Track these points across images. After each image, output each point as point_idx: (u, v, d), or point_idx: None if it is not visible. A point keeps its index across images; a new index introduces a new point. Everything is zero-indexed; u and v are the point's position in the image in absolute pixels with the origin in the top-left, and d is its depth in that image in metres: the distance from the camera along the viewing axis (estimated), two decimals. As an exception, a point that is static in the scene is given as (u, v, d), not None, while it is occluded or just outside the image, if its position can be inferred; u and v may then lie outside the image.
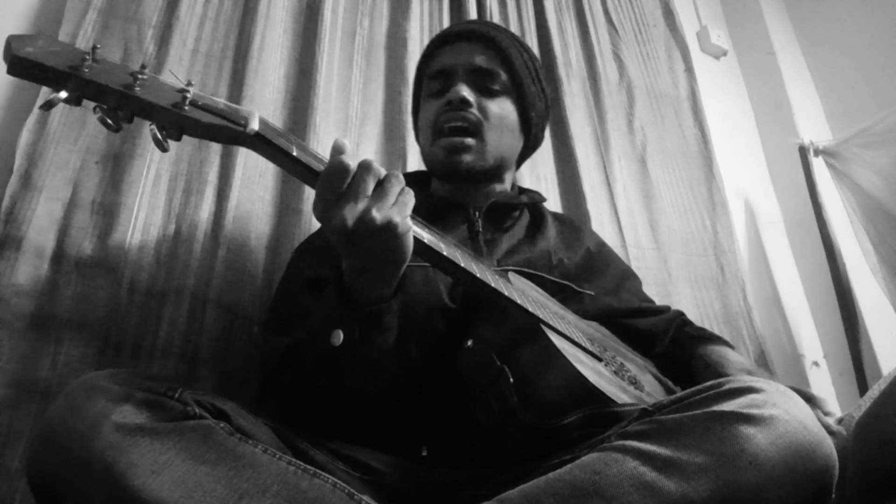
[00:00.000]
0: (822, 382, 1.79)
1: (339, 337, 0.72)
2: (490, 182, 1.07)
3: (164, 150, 0.60)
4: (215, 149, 1.17)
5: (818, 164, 1.96)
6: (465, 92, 1.01)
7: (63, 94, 0.54)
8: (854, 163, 1.87)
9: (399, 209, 0.67)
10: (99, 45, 0.56)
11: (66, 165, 1.03)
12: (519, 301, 0.78)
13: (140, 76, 0.57)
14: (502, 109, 1.05)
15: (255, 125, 0.63)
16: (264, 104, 1.24)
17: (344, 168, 0.65)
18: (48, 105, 0.54)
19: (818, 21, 2.35)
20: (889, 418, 0.76)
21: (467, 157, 1.00)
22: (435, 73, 1.08)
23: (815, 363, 1.81)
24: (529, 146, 1.14)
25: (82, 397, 0.60)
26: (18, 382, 0.89)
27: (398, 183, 0.68)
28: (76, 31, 1.11)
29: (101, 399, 0.59)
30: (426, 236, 0.73)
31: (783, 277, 1.93)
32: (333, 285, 0.76)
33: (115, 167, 1.07)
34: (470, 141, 1.01)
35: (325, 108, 1.33)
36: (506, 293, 0.77)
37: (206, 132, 0.62)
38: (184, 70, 1.20)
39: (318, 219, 0.68)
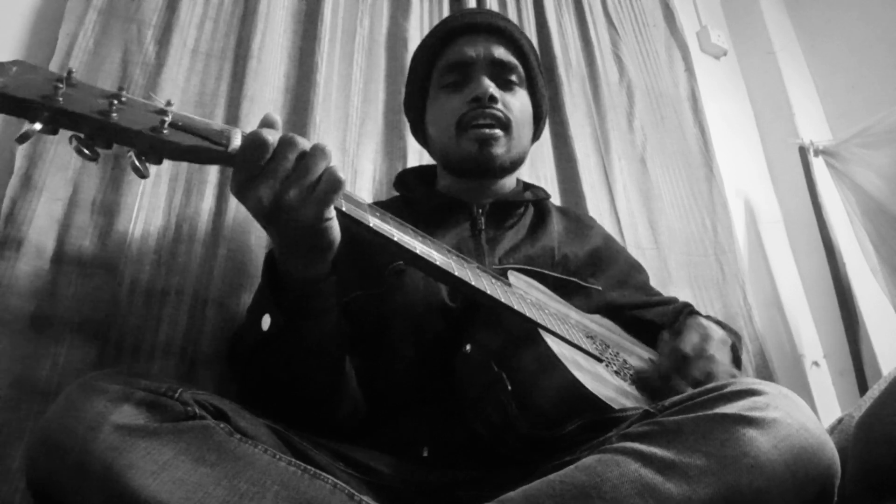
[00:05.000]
0: (822, 382, 1.79)
1: (267, 322, 0.72)
2: (505, 177, 1.08)
3: (143, 177, 0.58)
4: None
5: (818, 164, 1.96)
6: (492, 88, 1.01)
7: (38, 126, 0.52)
8: (854, 163, 1.87)
9: (321, 192, 0.63)
10: (74, 70, 0.54)
11: (66, 165, 1.03)
12: (516, 306, 0.77)
13: (117, 100, 0.55)
14: (522, 103, 1.06)
15: (237, 143, 0.62)
16: (264, 104, 1.24)
17: (263, 142, 0.61)
18: (23, 138, 0.51)
19: (818, 21, 2.35)
20: (889, 418, 0.75)
21: (498, 149, 1.00)
22: (451, 65, 1.05)
23: (815, 363, 1.81)
24: (535, 138, 1.15)
25: (81, 398, 0.59)
26: (18, 382, 0.89)
27: (323, 159, 0.64)
28: (76, 31, 1.11)
29: (100, 400, 0.59)
30: (419, 247, 0.72)
31: (783, 277, 1.93)
32: (265, 269, 0.75)
33: (116, 167, 1.07)
34: (499, 132, 1.00)
35: (326, 108, 1.32)
36: (502, 299, 0.76)
37: (187, 154, 0.60)
38: (184, 70, 1.20)
39: (235, 195, 0.65)
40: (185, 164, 1.14)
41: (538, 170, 1.55)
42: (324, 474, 0.61)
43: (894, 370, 1.00)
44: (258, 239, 1.14)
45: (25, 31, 1.10)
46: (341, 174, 0.64)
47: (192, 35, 1.24)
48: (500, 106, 1.01)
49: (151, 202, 1.08)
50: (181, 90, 1.18)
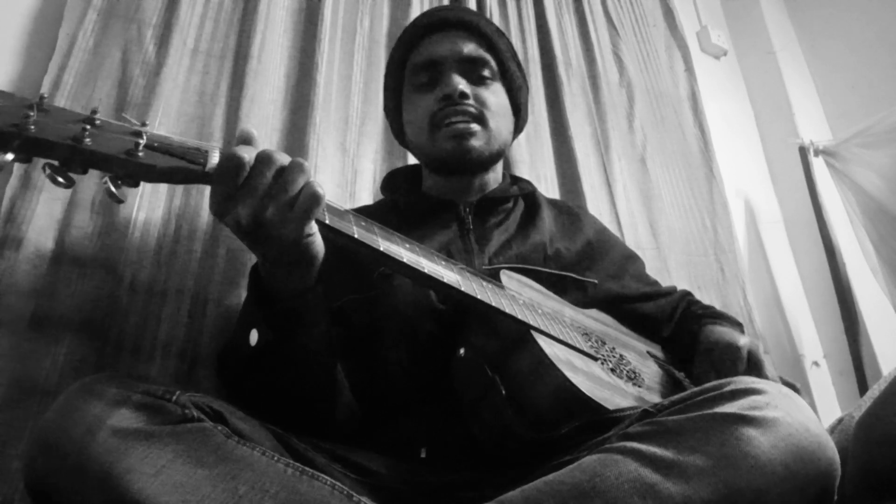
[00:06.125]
0: (822, 382, 1.79)
1: (254, 337, 0.71)
2: (488, 171, 1.06)
3: (119, 202, 0.57)
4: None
5: (818, 164, 1.96)
6: (462, 84, 0.99)
7: (9, 156, 0.50)
8: (854, 163, 1.87)
9: (301, 208, 0.62)
10: (46, 95, 0.53)
11: (66, 165, 1.03)
12: (507, 309, 0.77)
13: (90, 125, 0.53)
14: (496, 96, 1.04)
15: (214, 161, 0.60)
16: (264, 104, 1.24)
17: (238, 160, 0.60)
18: None
19: (818, 21, 2.35)
20: (889, 418, 0.75)
21: (476, 143, 0.99)
22: (420, 66, 1.05)
23: (815, 363, 1.81)
24: (518, 128, 1.14)
25: (79, 401, 0.59)
26: (18, 382, 0.89)
27: (301, 174, 0.62)
28: (76, 31, 1.11)
29: (97, 403, 0.59)
30: (405, 255, 0.71)
31: (783, 277, 1.93)
32: (250, 283, 0.75)
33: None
34: (475, 126, 0.99)
35: (326, 108, 1.32)
36: (493, 303, 0.76)
37: (164, 176, 0.58)
38: (184, 70, 1.20)
39: (213, 215, 0.64)
40: (184, 164, 1.14)
41: (538, 170, 1.55)
42: (322, 476, 0.61)
43: (894, 370, 1.00)
44: (258, 239, 1.14)
45: (25, 31, 1.10)
46: (320, 189, 0.63)
47: (192, 35, 1.24)
48: (471, 101, 1.00)
49: (151, 202, 1.08)
50: (181, 90, 1.18)
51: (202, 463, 0.56)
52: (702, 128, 1.91)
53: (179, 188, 1.12)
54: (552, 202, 1.16)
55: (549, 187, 1.54)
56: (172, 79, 1.17)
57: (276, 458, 0.60)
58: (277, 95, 1.30)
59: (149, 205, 1.08)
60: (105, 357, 0.95)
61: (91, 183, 1.05)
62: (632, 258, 1.15)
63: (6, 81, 1.05)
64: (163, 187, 1.10)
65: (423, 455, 0.79)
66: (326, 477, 0.61)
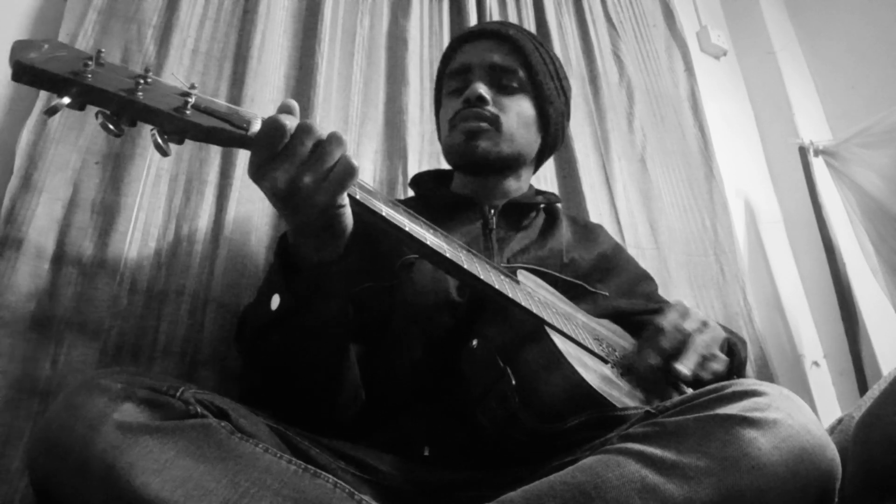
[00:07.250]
0: (822, 382, 1.79)
1: (276, 302, 0.73)
2: (506, 175, 1.09)
3: (165, 154, 0.60)
4: (216, 148, 1.17)
5: (818, 164, 1.96)
6: (482, 89, 1.03)
7: (66, 100, 0.55)
8: (854, 163, 1.87)
9: (336, 178, 0.65)
10: (103, 50, 0.57)
11: (66, 165, 1.03)
12: (523, 302, 0.78)
13: (142, 80, 0.57)
14: (519, 106, 1.07)
15: (257, 127, 0.63)
16: (264, 104, 1.24)
17: (280, 127, 0.63)
18: (52, 111, 0.54)
19: (818, 21, 2.35)
20: (889, 418, 0.75)
21: (483, 142, 1.02)
22: (454, 72, 1.10)
23: (815, 363, 1.81)
24: (549, 145, 1.15)
25: (83, 396, 0.60)
26: (18, 382, 0.89)
27: (339, 147, 0.65)
28: (76, 31, 1.11)
29: (101, 398, 0.59)
30: (429, 238, 0.73)
31: (783, 277, 1.93)
32: (277, 250, 0.76)
33: (116, 167, 1.07)
34: (486, 125, 1.03)
35: (326, 108, 1.33)
36: (510, 294, 0.77)
37: (208, 136, 0.62)
38: (184, 70, 1.20)
39: (251, 177, 0.66)
40: (184, 164, 1.14)
41: (538, 170, 1.55)
42: (324, 473, 0.61)
43: (894, 370, 1.00)
44: (258, 239, 1.14)
45: (25, 31, 1.10)
46: (356, 162, 0.65)
47: (192, 35, 1.24)
48: (489, 106, 1.03)
49: (151, 202, 1.08)
50: (181, 90, 1.18)
51: (205, 459, 0.57)
52: (702, 128, 1.91)
53: (180, 189, 1.12)
54: (571, 217, 1.20)
55: (548, 187, 1.54)
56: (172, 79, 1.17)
57: (278, 455, 0.61)
58: (277, 95, 1.30)
59: (149, 205, 1.08)
60: (105, 357, 0.95)
61: (91, 183, 1.05)
62: (645, 278, 1.16)
63: (7, 81, 1.05)
64: (163, 187, 1.10)
65: (426, 453, 0.79)
66: (329, 475, 0.61)
